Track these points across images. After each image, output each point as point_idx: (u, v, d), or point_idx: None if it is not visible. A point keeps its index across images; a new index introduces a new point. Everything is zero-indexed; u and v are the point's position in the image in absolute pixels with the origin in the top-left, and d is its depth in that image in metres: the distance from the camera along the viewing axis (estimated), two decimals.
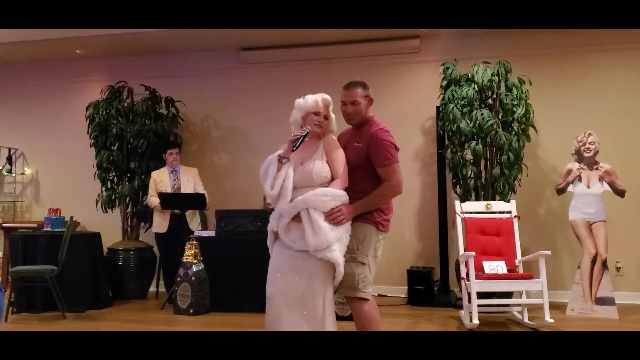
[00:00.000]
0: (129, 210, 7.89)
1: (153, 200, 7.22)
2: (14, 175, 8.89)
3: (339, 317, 5.84)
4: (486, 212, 6.27)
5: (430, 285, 6.96)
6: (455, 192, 6.94)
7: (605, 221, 6.38)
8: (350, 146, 3.81)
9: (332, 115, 3.85)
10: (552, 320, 5.41)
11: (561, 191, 6.64)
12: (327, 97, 3.83)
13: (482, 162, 6.82)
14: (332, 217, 3.57)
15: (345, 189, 3.73)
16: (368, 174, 3.72)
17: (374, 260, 3.73)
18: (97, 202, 7.78)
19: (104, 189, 7.85)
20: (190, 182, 7.35)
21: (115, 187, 7.88)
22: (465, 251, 5.85)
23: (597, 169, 6.48)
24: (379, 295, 7.28)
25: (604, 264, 6.28)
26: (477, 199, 6.74)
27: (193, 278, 6.39)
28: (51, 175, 8.88)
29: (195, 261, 6.45)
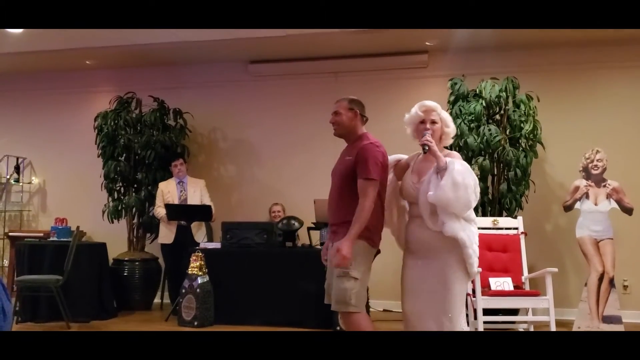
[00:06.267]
0: (135, 221, 7.90)
1: (160, 211, 7.23)
2: (21, 184, 8.90)
3: (343, 331, 5.84)
4: (493, 228, 6.24)
5: None
6: None
7: (612, 239, 6.35)
8: (342, 159, 3.88)
9: (449, 127, 3.78)
10: None
11: (568, 208, 6.61)
12: (425, 102, 3.80)
13: (489, 177, 6.80)
14: (334, 262, 3.63)
15: (338, 211, 3.80)
16: (355, 190, 3.70)
17: (368, 275, 3.74)
18: (103, 212, 7.79)
19: (110, 199, 7.87)
20: (197, 193, 7.36)
21: (122, 197, 7.90)
22: None
23: (604, 186, 6.46)
24: (384, 310, 7.26)
25: (611, 282, 6.25)
26: (484, 214, 6.71)
27: (198, 290, 6.37)
28: (58, 185, 8.89)
29: (200, 273, 6.44)
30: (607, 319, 6.19)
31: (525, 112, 6.69)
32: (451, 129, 3.77)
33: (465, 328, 3.60)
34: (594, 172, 6.52)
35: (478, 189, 3.56)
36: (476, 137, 6.64)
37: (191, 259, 6.51)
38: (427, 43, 7.45)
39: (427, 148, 3.63)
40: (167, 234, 7.26)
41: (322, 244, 6.61)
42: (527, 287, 5.87)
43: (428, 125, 3.72)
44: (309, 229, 6.88)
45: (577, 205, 6.53)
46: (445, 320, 3.54)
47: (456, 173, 3.46)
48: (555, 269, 5.59)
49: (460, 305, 3.58)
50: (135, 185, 7.94)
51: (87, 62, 8.42)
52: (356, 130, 3.88)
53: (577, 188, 6.56)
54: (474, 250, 3.53)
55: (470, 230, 3.56)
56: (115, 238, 7.81)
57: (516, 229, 6.19)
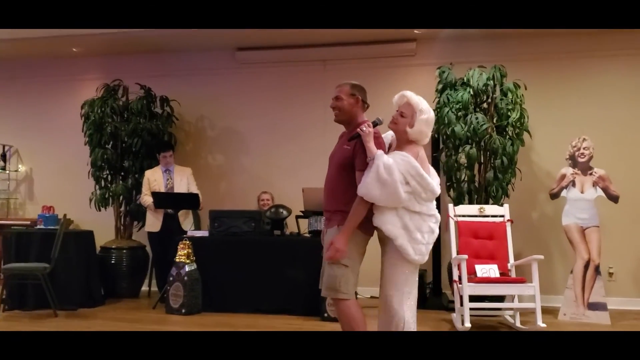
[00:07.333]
0: (122, 208, 7.89)
1: (146, 199, 7.21)
2: (8, 172, 8.86)
3: (331, 318, 5.88)
4: (479, 216, 6.28)
5: (422, 288, 6.95)
6: (449, 196, 6.95)
7: (598, 226, 6.40)
8: (341, 148, 3.81)
9: (413, 127, 3.65)
10: (544, 325, 5.42)
11: (555, 196, 6.65)
12: (403, 92, 3.75)
13: (476, 165, 6.83)
14: (328, 255, 3.62)
15: (333, 199, 3.77)
16: (350, 180, 3.67)
17: (359, 261, 3.74)
18: (90, 200, 7.76)
19: (97, 187, 7.84)
20: (183, 181, 7.34)
21: (109, 185, 7.87)
22: (457, 254, 5.86)
23: (591, 174, 6.50)
24: (371, 297, 7.29)
25: (597, 270, 6.30)
26: (471, 202, 6.74)
27: (185, 278, 6.37)
28: (45, 173, 8.86)
29: (187, 261, 6.44)
30: (592, 306, 6.24)
31: (512, 101, 6.71)
32: (415, 129, 3.65)
33: (408, 318, 3.60)
34: (580, 160, 6.56)
35: (416, 181, 3.53)
36: (463, 125, 6.65)
37: (179, 247, 6.52)
38: (415, 31, 7.45)
39: (356, 135, 3.65)
40: (154, 222, 7.24)
41: (310, 232, 6.65)
42: (513, 274, 5.92)
43: (394, 117, 3.74)
44: (297, 217, 6.90)
45: (564, 193, 6.57)
46: (388, 303, 3.62)
47: (382, 168, 3.46)
48: (541, 256, 5.64)
49: (401, 290, 3.60)
50: (122, 173, 7.91)
51: (74, 49, 8.37)
52: (357, 117, 3.81)
53: (563, 176, 6.60)
54: (414, 239, 3.55)
55: (412, 219, 3.57)
56: (102, 226, 7.79)
57: (502, 216, 6.24)
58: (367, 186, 3.52)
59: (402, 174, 3.48)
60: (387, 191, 3.46)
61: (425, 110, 3.66)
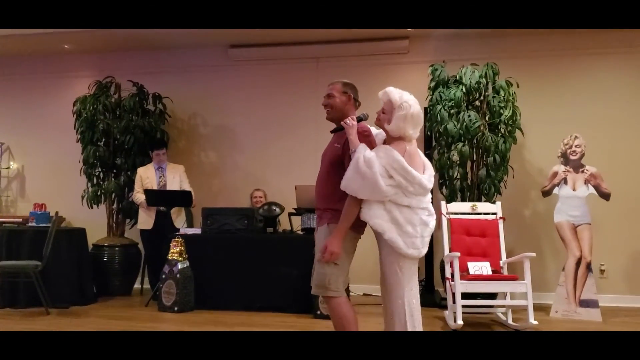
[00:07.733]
0: (114, 206, 7.86)
1: (139, 196, 7.20)
2: None
3: (323, 316, 5.88)
4: (472, 213, 6.29)
5: None
6: (442, 193, 6.96)
7: (590, 224, 6.42)
8: (331, 146, 3.83)
9: (390, 125, 3.62)
10: (536, 322, 5.44)
11: (547, 193, 6.67)
12: (386, 89, 3.73)
13: (469, 163, 6.84)
14: (324, 259, 3.60)
15: (323, 197, 3.77)
16: (340, 178, 3.64)
17: (349, 258, 3.74)
18: (82, 197, 7.74)
19: (89, 184, 7.81)
20: (176, 179, 7.33)
21: (101, 183, 7.84)
22: (450, 252, 5.87)
23: (582, 171, 6.52)
24: (364, 294, 7.30)
25: (589, 267, 6.32)
26: (463, 200, 6.76)
27: (178, 275, 6.36)
28: (37, 170, 8.82)
29: (180, 259, 6.43)
30: (584, 303, 6.26)
31: (504, 98, 6.72)
32: (392, 126, 3.61)
33: (410, 314, 3.60)
34: (572, 157, 6.58)
35: (400, 175, 3.49)
36: (456, 123, 6.66)
37: (171, 244, 6.50)
38: (408, 29, 7.45)
39: (339, 128, 3.69)
40: (146, 219, 7.23)
41: (303, 229, 6.65)
42: (505, 272, 5.93)
43: (377, 113, 3.73)
44: (290, 214, 6.89)
45: (556, 190, 6.58)
46: (389, 300, 3.62)
47: (361, 161, 3.46)
48: (533, 254, 5.64)
49: (401, 286, 3.58)
50: (115, 171, 7.89)
51: (66, 46, 8.34)
52: (348, 115, 3.80)
53: (555, 173, 6.62)
54: (405, 232, 3.53)
55: (401, 213, 3.54)
56: (94, 223, 7.76)
57: (495, 214, 6.25)
58: (348, 179, 3.52)
59: (383, 167, 3.47)
60: (367, 184, 3.45)
61: (405, 107, 3.61)
